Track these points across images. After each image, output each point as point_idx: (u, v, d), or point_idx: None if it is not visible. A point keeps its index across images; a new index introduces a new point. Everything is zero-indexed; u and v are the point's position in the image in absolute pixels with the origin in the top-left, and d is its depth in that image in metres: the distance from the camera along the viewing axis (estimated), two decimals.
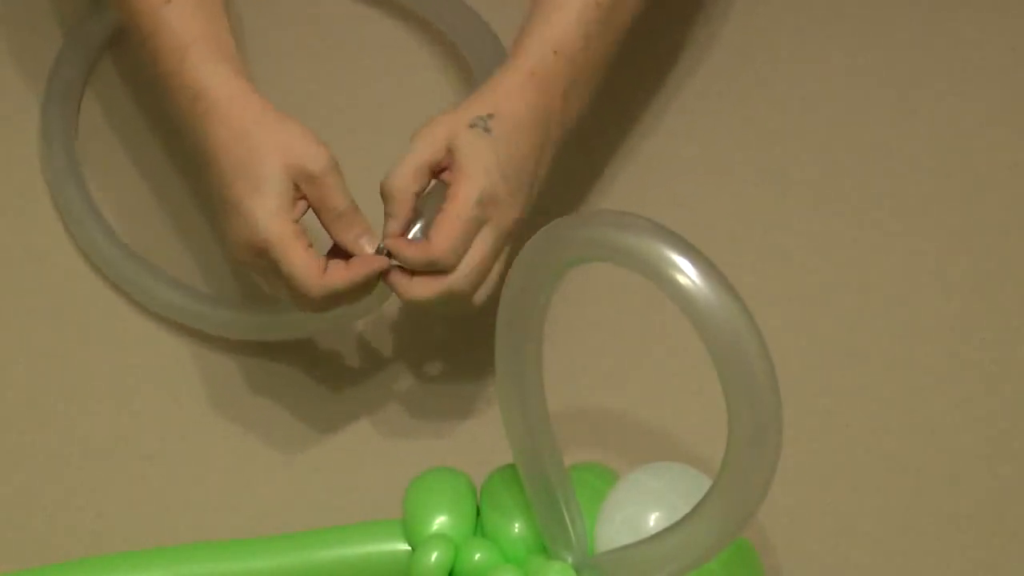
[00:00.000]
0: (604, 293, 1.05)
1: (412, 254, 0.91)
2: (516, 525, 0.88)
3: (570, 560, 0.85)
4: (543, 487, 0.85)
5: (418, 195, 0.93)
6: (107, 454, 1.00)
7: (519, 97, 0.94)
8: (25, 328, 1.05)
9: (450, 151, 0.92)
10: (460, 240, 0.91)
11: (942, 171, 1.12)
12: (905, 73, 1.16)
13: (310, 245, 0.91)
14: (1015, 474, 0.98)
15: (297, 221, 0.91)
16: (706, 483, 0.78)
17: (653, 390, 1.02)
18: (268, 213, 0.89)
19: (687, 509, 0.78)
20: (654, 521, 0.84)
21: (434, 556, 0.87)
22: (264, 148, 0.90)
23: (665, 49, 1.15)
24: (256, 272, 0.93)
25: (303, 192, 0.91)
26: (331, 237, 0.93)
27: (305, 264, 0.90)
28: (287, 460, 1.00)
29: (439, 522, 0.89)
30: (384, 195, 0.93)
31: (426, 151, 0.92)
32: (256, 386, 1.02)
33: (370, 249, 0.92)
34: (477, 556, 0.87)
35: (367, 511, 0.94)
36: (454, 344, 1.04)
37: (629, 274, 0.74)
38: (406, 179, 0.92)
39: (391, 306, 1.02)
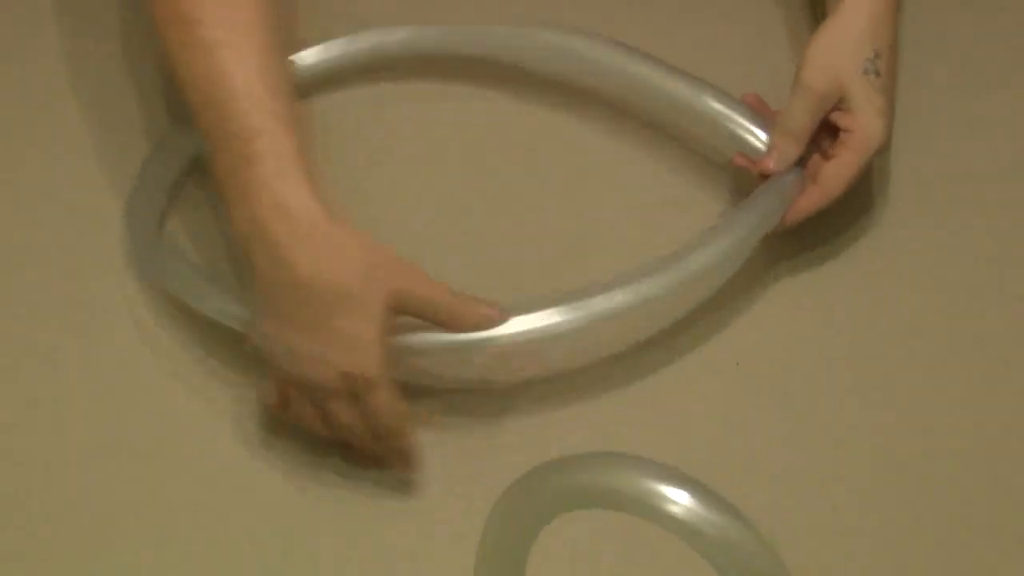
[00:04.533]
0: None
1: (811, 207, 0.99)
2: None
3: None
4: None
5: (812, 133, 0.99)
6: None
7: (890, 23, 0.99)
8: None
9: (844, 96, 0.98)
10: (854, 184, 0.98)
11: (942, 170, 1.10)
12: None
13: None
14: (1015, 474, 0.97)
15: None
16: None
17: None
18: (375, 342, 0.87)
19: None
20: None
21: None
22: (370, 272, 0.87)
23: None
24: (319, 395, 0.89)
25: (401, 311, 0.89)
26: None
27: (395, 403, 0.88)
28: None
29: None
30: (779, 130, 0.99)
31: (821, 91, 0.98)
32: None
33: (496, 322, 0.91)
34: None
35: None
36: None
37: None
38: (805, 117, 0.99)
39: None
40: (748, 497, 0.94)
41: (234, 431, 0.97)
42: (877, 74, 0.98)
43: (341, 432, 0.91)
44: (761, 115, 1.04)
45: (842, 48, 0.99)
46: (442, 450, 0.96)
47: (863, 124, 0.98)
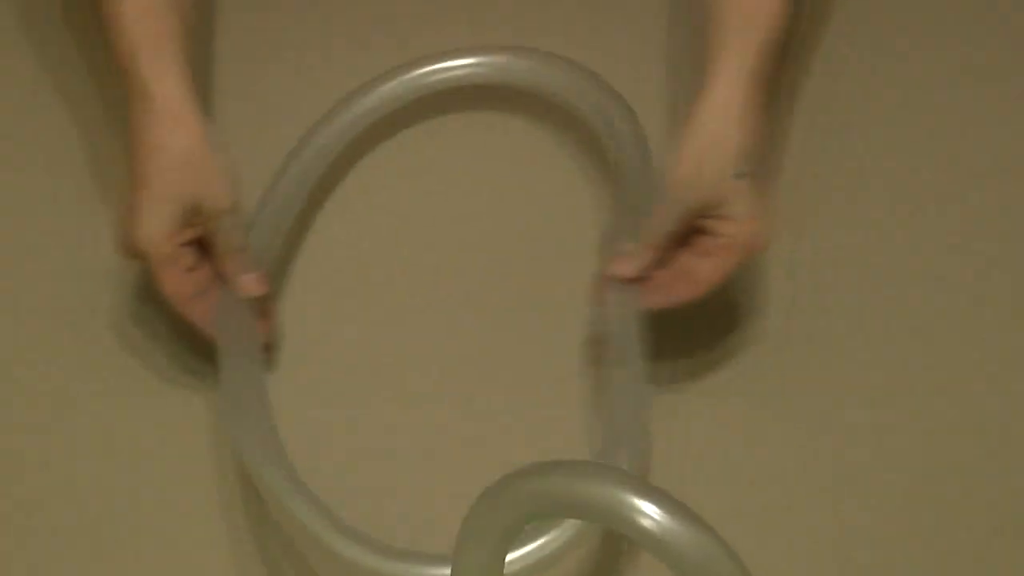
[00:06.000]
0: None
1: (680, 299, 0.97)
2: None
3: None
4: None
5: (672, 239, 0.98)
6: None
7: (754, 118, 0.96)
8: None
9: (718, 204, 0.95)
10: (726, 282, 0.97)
11: (942, 170, 1.10)
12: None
13: (190, 268, 0.97)
14: (1015, 474, 0.97)
15: (182, 244, 0.96)
16: None
17: None
18: (157, 230, 0.95)
19: None
20: None
21: None
22: (179, 171, 0.96)
23: None
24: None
25: (197, 222, 0.97)
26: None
27: (172, 287, 0.96)
28: None
29: None
30: (643, 239, 0.97)
31: (689, 203, 0.95)
32: None
33: (250, 291, 0.98)
34: None
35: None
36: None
37: None
38: (669, 226, 0.96)
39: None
40: (748, 498, 0.95)
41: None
42: (746, 175, 0.95)
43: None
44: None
45: (709, 157, 0.95)
46: (414, 456, 0.97)
47: (740, 230, 0.95)
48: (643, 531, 0.64)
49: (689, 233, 0.97)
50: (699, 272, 0.97)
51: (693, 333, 1.02)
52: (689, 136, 0.96)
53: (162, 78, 0.97)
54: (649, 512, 0.64)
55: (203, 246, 0.98)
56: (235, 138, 1.01)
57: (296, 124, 1.05)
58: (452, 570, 0.73)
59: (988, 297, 1.04)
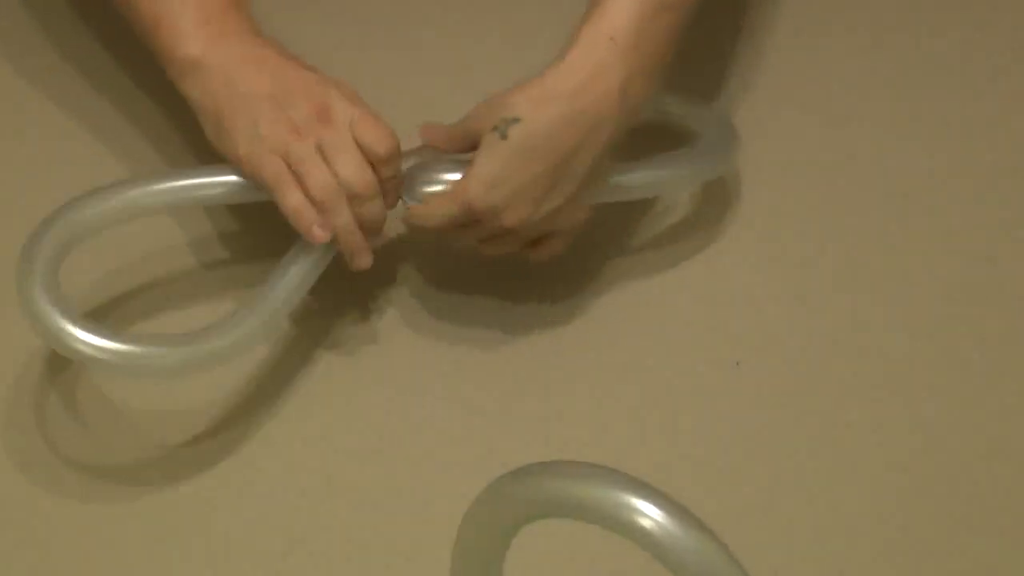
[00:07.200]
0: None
1: (408, 218, 0.98)
2: None
3: None
4: None
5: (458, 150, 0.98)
6: None
7: (553, 105, 0.94)
8: None
9: (476, 141, 0.96)
10: (440, 225, 0.97)
11: (942, 170, 1.10)
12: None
13: None
14: (1015, 474, 0.97)
15: None
16: None
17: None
18: (341, 85, 0.97)
19: None
20: None
21: None
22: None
23: None
24: (289, 154, 0.94)
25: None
26: None
27: (381, 123, 0.95)
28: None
29: None
30: (454, 126, 0.98)
31: (469, 124, 0.97)
32: None
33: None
34: None
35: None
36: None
37: None
38: (456, 135, 0.98)
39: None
40: (746, 500, 0.95)
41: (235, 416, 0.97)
42: (503, 136, 0.94)
43: (320, 194, 0.94)
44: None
45: (500, 101, 0.95)
46: (417, 454, 0.97)
47: (465, 177, 0.95)
48: (643, 532, 0.64)
49: None
50: (426, 200, 0.97)
51: (687, 332, 1.02)
52: (533, 78, 0.95)
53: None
54: (649, 513, 0.64)
55: None
56: None
57: None
58: (452, 570, 0.73)
59: (988, 296, 1.04)
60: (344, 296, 1.03)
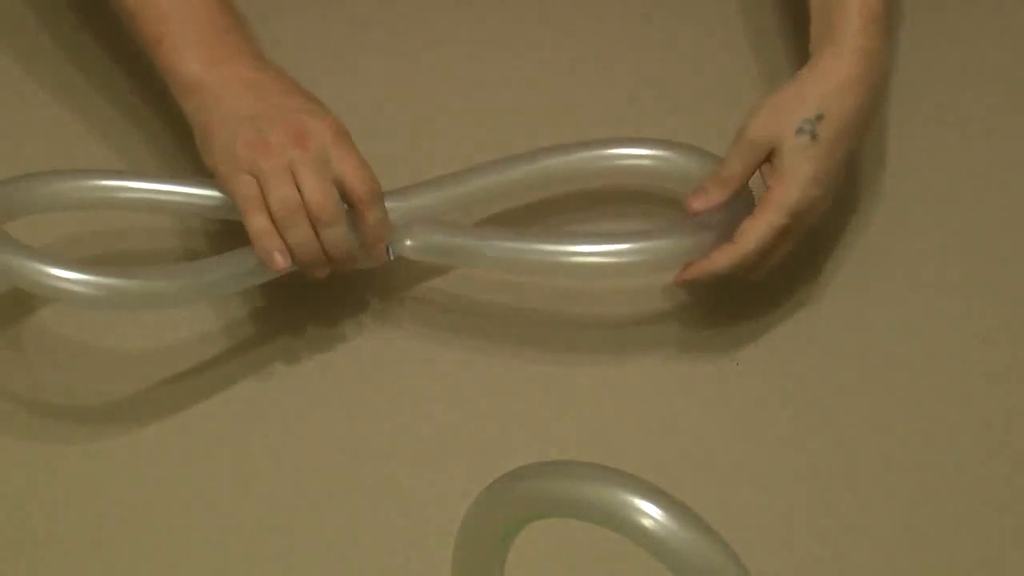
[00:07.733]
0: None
1: (722, 261, 0.96)
2: None
3: None
4: None
5: (744, 181, 0.98)
6: None
7: (851, 93, 0.96)
8: None
9: (774, 151, 0.96)
10: (767, 244, 0.95)
11: (942, 170, 1.10)
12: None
13: None
14: (1015, 474, 0.97)
15: None
16: None
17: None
18: (326, 117, 0.96)
19: None
20: None
21: None
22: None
23: None
24: (260, 173, 0.94)
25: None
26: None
27: (363, 161, 0.96)
28: None
29: None
30: (712, 174, 0.98)
31: (755, 142, 0.96)
32: None
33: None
34: None
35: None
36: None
37: None
38: (736, 165, 0.97)
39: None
40: (746, 499, 0.95)
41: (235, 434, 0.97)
42: (813, 137, 0.95)
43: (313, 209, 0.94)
44: None
45: (789, 104, 0.96)
46: (417, 454, 0.97)
47: (781, 185, 0.95)
48: (643, 532, 0.64)
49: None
50: (740, 230, 0.96)
51: (687, 332, 1.02)
52: (786, 81, 0.97)
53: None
54: (649, 512, 0.64)
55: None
56: None
57: None
58: (452, 570, 0.74)
59: (989, 296, 1.04)
60: (343, 296, 1.03)
